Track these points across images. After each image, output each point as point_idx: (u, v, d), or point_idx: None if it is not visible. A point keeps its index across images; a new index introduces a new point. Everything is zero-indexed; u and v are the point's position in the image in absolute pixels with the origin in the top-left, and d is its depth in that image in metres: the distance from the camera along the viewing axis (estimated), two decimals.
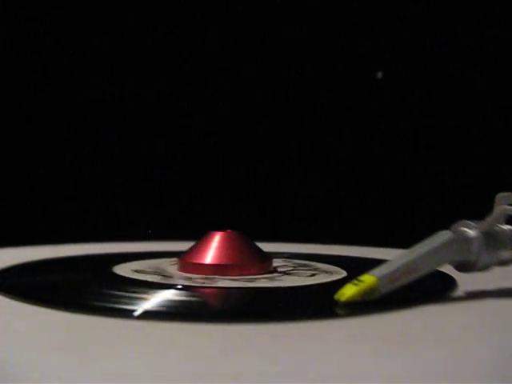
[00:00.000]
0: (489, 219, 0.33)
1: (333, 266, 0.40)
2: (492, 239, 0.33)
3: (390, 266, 0.31)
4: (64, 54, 0.67)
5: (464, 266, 0.33)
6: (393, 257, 0.32)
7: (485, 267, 0.33)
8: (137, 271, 0.39)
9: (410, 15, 0.64)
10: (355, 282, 0.30)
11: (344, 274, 0.38)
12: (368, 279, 0.30)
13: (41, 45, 0.67)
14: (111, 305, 0.31)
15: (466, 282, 0.35)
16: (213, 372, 0.23)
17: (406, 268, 0.31)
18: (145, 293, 0.33)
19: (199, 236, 0.40)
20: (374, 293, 0.30)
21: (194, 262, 0.38)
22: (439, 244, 0.32)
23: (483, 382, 0.23)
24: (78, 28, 0.67)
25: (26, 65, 0.67)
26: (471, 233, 0.33)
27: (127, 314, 0.30)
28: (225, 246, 0.39)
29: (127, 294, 0.33)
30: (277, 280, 0.37)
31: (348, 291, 0.30)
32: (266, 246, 0.40)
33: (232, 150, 0.67)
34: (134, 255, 0.44)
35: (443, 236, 0.32)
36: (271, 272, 0.39)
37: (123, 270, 0.39)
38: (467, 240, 0.32)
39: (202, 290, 0.35)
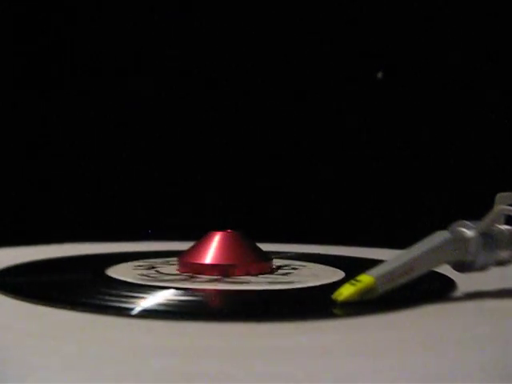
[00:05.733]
0: (487, 219, 0.33)
1: (331, 267, 0.41)
2: (490, 239, 0.33)
3: (388, 266, 0.31)
4: (65, 51, 0.68)
5: (462, 266, 0.33)
6: (391, 257, 0.32)
7: (482, 267, 0.33)
8: (136, 271, 0.39)
9: (410, 15, 0.64)
10: (353, 281, 0.30)
11: (342, 274, 0.38)
12: (365, 279, 0.30)
13: (40, 42, 0.67)
14: (109, 304, 0.31)
15: (465, 282, 0.35)
16: (212, 372, 0.23)
17: (404, 268, 0.31)
18: (144, 292, 0.33)
19: (199, 236, 0.40)
20: (372, 293, 0.30)
21: (194, 262, 0.38)
22: (437, 244, 0.32)
23: (483, 382, 0.23)
24: (74, 27, 0.67)
25: (24, 65, 0.67)
26: (469, 233, 0.33)
27: (126, 313, 0.30)
28: (225, 246, 0.39)
29: (126, 294, 0.33)
30: (276, 280, 0.37)
31: (346, 291, 0.30)
32: (266, 246, 0.40)
33: (232, 150, 0.67)
34: (134, 255, 0.44)
35: (441, 236, 0.32)
36: (271, 272, 0.39)
37: (123, 269, 0.39)
38: (465, 240, 0.32)
39: (202, 289, 0.35)
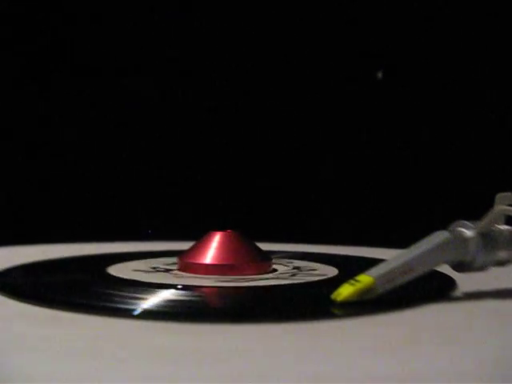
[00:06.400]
0: (486, 219, 0.33)
1: (331, 266, 0.41)
2: (489, 239, 0.33)
3: (387, 266, 0.31)
4: (65, 49, 0.68)
5: (461, 266, 0.33)
6: (390, 256, 0.32)
7: (482, 267, 0.33)
8: (136, 271, 0.39)
9: (410, 15, 0.64)
10: (352, 281, 0.31)
11: (342, 273, 0.38)
12: (365, 279, 0.30)
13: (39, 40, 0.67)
14: (110, 304, 0.31)
15: (465, 282, 0.35)
16: (212, 372, 0.23)
17: (403, 268, 0.31)
18: (144, 293, 0.33)
19: (199, 236, 0.40)
20: (371, 293, 0.30)
21: (194, 262, 0.38)
22: (436, 244, 0.32)
23: (483, 381, 0.23)
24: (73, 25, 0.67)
25: (24, 65, 0.67)
26: (468, 233, 0.33)
27: (127, 314, 0.30)
28: (225, 246, 0.39)
29: (127, 294, 0.33)
30: (276, 280, 0.37)
31: (345, 291, 0.30)
32: (266, 246, 0.40)
33: (232, 150, 0.67)
34: (134, 255, 0.44)
35: (440, 236, 0.32)
36: (271, 272, 0.39)
37: (123, 269, 0.39)
38: (464, 240, 0.32)
39: (202, 289, 0.35)
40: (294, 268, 0.41)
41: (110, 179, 0.67)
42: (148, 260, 0.42)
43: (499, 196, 0.33)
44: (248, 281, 0.37)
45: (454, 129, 0.63)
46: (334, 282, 0.35)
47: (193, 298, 0.34)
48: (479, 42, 0.62)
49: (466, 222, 0.33)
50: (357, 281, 0.30)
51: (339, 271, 0.39)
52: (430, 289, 0.35)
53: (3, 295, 0.33)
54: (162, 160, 0.67)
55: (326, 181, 0.66)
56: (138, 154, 0.67)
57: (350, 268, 0.38)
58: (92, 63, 0.67)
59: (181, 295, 0.34)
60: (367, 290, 0.30)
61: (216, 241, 0.39)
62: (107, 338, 0.27)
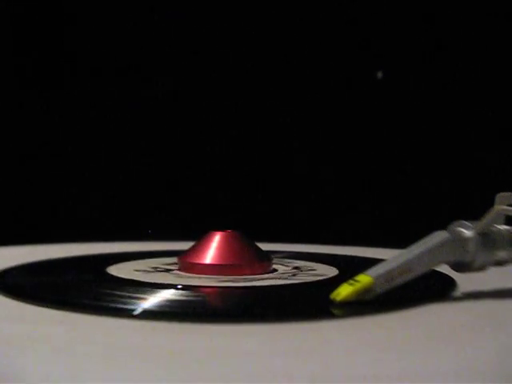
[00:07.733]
0: (485, 219, 0.33)
1: (330, 266, 0.41)
2: (488, 239, 0.33)
3: (386, 266, 0.31)
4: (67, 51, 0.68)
5: (460, 266, 0.33)
6: (389, 257, 0.32)
7: (481, 267, 0.33)
8: (136, 271, 0.39)
9: (410, 15, 0.64)
10: (351, 281, 0.31)
11: (341, 273, 0.38)
12: (364, 279, 0.30)
13: (40, 41, 0.67)
14: (110, 304, 0.31)
15: (465, 282, 0.35)
16: (212, 372, 0.23)
17: (402, 268, 0.31)
18: (144, 293, 0.33)
19: (199, 236, 0.40)
20: (370, 293, 0.30)
21: (194, 262, 0.38)
22: (435, 244, 0.32)
23: (483, 381, 0.23)
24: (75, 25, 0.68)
25: (26, 65, 0.67)
26: (467, 233, 0.33)
27: (127, 314, 0.30)
28: (225, 246, 0.39)
29: (127, 294, 0.33)
30: (276, 280, 0.37)
31: (344, 291, 0.30)
32: (266, 246, 0.40)
33: (232, 150, 0.67)
34: (134, 255, 0.44)
35: (439, 236, 0.32)
36: (271, 272, 0.39)
37: (123, 269, 0.39)
38: (463, 240, 0.32)
39: (202, 289, 0.35)
40: (294, 268, 0.41)
41: (109, 179, 0.67)
42: (148, 260, 0.43)
43: (499, 196, 0.34)
44: (248, 281, 0.37)
45: (454, 129, 0.63)
46: (333, 282, 0.35)
47: (193, 298, 0.34)
48: (479, 42, 0.62)
49: (465, 222, 0.33)
50: (356, 281, 0.30)
51: (339, 271, 0.39)
52: (429, 289, 0.35)
53: (3, 295, 0.33)
54: (162, 160, 0.67)
55: (326, 181, 0.66)
56: (137, 154, 0.67)
57: (349, 268, 0.38)
58: (92, 63, 0.67)
59: (181, 295, 0.34)
60: (366, 290, 0.30)
61: (216, 241, 0.39)
62: (107, 338, 0.27)
